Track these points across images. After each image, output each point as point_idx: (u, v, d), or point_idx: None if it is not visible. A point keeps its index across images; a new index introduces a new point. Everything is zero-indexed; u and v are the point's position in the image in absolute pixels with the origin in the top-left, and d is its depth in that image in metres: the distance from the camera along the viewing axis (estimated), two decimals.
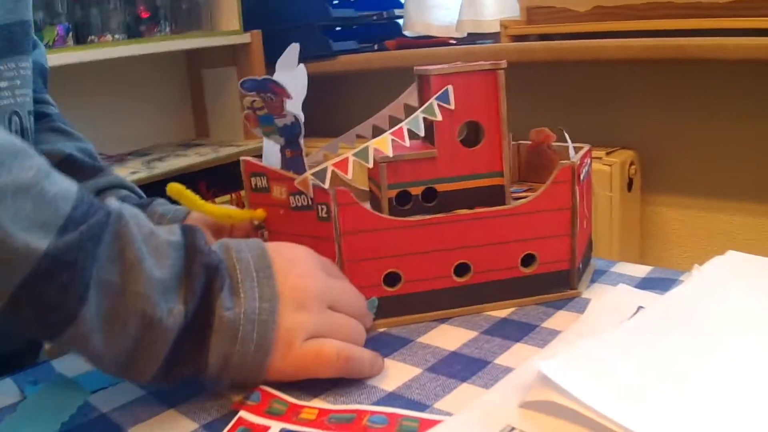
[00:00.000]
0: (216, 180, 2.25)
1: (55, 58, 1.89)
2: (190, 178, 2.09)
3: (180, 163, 2.14)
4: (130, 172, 2.04)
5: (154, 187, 1.90)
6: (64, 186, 0.55)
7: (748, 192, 1.84)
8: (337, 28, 2.44)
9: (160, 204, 0.91)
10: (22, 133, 0.84)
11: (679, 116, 1.90)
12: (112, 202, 0.58)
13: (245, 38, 2.32)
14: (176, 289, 0.58)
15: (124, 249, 0.55)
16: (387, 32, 2.48)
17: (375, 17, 2.50)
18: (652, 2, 1.76)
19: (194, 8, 2.36)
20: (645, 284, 0.79)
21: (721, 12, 1.66)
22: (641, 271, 0.84)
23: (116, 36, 2.17)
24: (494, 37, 2.20)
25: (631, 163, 1.88)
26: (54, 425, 0.57)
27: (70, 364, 0.71)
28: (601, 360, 0.59)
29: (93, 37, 2.14)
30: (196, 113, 2.67)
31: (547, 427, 0.53)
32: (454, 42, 2.29)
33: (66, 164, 0.92)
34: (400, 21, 2.47)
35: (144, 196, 0.97)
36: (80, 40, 2.13)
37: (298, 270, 0.64)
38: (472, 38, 2.27)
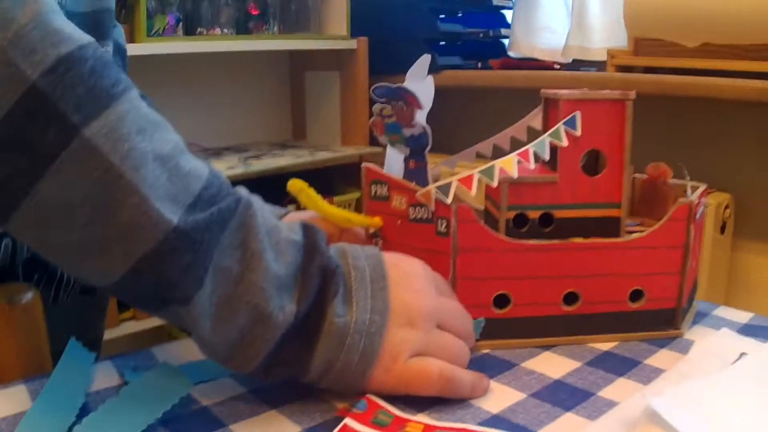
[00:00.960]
0: (310, 183, 2.26)
1: (163, 47, 1.94)
2: (284, 179, 2.10)
3: (276, 163, 2.16)
4: (227, 167, 2.07)
5: (249, 185, 1.93)
6: (197, 165, 0.56)
7: None
8: (442, 43, 2.44)
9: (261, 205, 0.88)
10: None
11: None
12: (242, 189, 0.59)
13: (351, 44, 2.34)
14: (291, 288, 0.58)
15: (248, 238, 0.56)
16: (491, 51, 2.48)
17: (481, 35, 2.50)
18: (762, 44, 1.73)
19: (303, 10, 2.38)
20: (747, 330, 0.78)
21: None
22: (743, 317, 0.82)
23: (225, 30, 2.21)
24: (599, 65, 2.19)
25: (726, 206, 1.85)
26: (155, 413, 0.57)
27: (171, 353, 0.72)
28: (708, 402, 0.58)
29: (202, 29, 2.19)
30: (295, 114, 2.70)
31: None
32: (558, 66, 2.29)
33: None
34: (506, 41, 2.47)
35: None
36: (189, 31, 2.17)
37: (412, 285, 0.64)
38: (577, 65, 2.26)
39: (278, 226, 0.60)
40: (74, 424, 0.57)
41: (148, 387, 0.62)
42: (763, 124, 1.88)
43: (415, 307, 0.63)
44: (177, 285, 0.54)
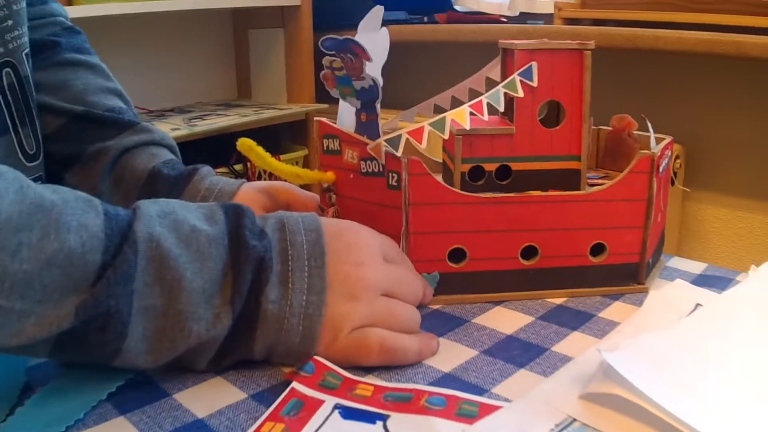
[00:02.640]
0: (257, 142, 2.24)
1: (101, 8, 1.89)
2: (230, 138, 2.08)
3: (222, 123, 2.12)
4: (171, 128, 2.03)
5: (194, 145, 1.90)
6: (89, 232, 0.52)
7: None
8: None
9: (205, 175, 0.84)
10: (19, 84, 0.77)
11: (729, 113, 1.87)
12: (139, 224, 0.55)
13: (295, 0, 2.30)
14: (220, 291, 0.57)
15: (161, 270, 0.54)
16: (437, 5, 2.45)
17: None
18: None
19: None
20: (702, 281, 0.78)
21: None
22: (697, 267, 0.82)
23: None
24: (546, 18, 2.17)
25: (677, 157, 1.85)
26: (93, 400, 0.56)
27: None
28: (664, 355, 0.57)
29: None
30: (240, 73, 2.67)
31: (608, 420, 0.52)
32: (505, 20, 2.27)
33: (84, 121, 0.87)
34: None
35: (179, 155, 0.91)
36: None
37: (355, 257, 0.62)
38: (524, 18, 2.25)
39: (196, 228, 0.57)
40: (16, 405, 0.56)
41: (86, 374, 0.60)
42: (710, 76, 1.88)
43: (356, 280, 0.61)
44: (100, 345, 0.53)
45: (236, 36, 2.61)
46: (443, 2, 2.48)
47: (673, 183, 0.79)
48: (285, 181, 0.76)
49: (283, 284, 0.59)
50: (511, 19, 2.27)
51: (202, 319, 0.55)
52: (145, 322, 0.54)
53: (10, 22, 0.76)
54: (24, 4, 0.79)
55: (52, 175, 0.85)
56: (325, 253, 0.60)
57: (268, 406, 0.54)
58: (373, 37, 0.70)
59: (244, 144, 0.72)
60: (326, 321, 0.59)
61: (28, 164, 0.79)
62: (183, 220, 0.57)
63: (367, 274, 0.62)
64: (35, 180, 0.73)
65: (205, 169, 0.85)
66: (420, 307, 0.70)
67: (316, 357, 0.59)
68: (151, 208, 0.57)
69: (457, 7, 2.41)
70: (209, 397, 0.57)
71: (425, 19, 2.36)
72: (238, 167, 2.11)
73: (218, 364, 0.59)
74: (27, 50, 0.80)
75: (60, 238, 0.50)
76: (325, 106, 2.27)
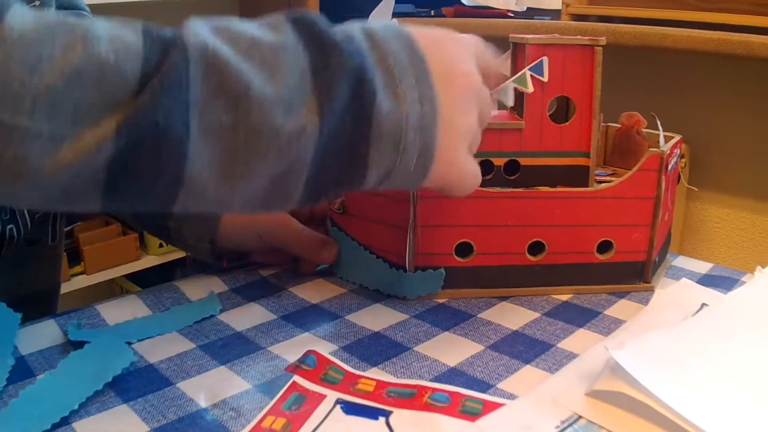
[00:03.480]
0: None
1: None
2: None
3: None
4: None
5: None
6: (124, 42, 0.44)
7: None
8: None
9: None
10: None
11: (735, 113, 1.86)
12: (188, 34, 0.46)
13: None
14: (304, 101, 0.48)
15: (222, 81, 0.46)
16: None
17: None
18: None
19: None
20: (707, 281, 0.77)
21: None
22: (703, 267, 0.82)
23: None
24: (553, 14, 2.17)
25: (681, 156, 1.85)
26: (96, 386, 0.55)
27: (115, 311, 0.70)
28: (671, 354, 0.57)
29: None
30: None
31: (614, 418, 0.52)
32: (512, 15, 2.26)
33: None
34: None
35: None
36: None
37: (457, 67, 0.56)
38: (531, 13, 2.24)
39: (256, 39, 0.48)
40: (5, 387, 0.56)
41: (89, 359, 0.60)
42: (716, 75, 1.87)
43: (464, 89, 0.55)
44: (158, 178, 0.46)
45: None
46: None
47: (678, 181, 0.78)
48: None
49: (394, 96, 0.51)
50: (518, 14, 2.27)
51: (280, 130, 0.47)
52: (212, 143, 0.46)
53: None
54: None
55: None
56: (424, 57, 0.53)
57: (272, 397, 0.54)
58: None
59: None
60: (442, 135, 0.53)
61: None
62: (240, 31, 0.48)
63: (472, 83, 0.56)
64: None
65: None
66: (426, 301, 0.71)
67: (316, 351, 0.59)
68: (199, 21, 0.48)
69: (464, 1, 2.41)
70: (213, 386, 0.56)
71: (432, 12, 2.35)
72: None
73: (316, 199, 0.52)
74: None
75: (88, 49, 0.43)
76: None
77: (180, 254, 2.13)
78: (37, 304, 0.85)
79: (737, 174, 1.89)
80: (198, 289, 0.74)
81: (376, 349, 0.62)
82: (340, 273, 0.77)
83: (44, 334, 0.65)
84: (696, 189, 1.86)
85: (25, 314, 0.67)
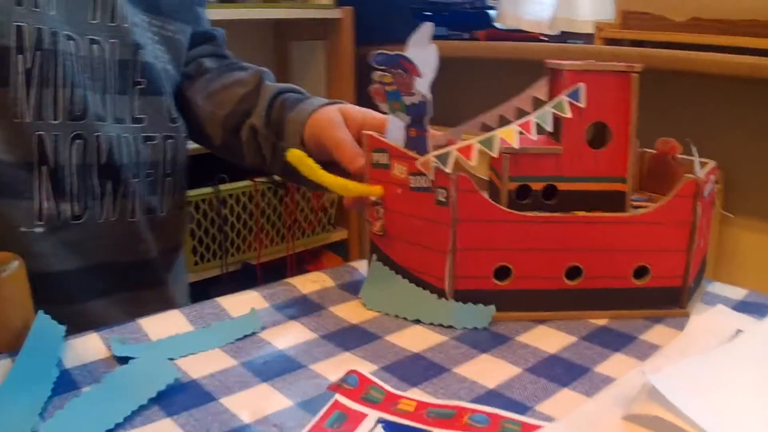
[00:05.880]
0: None
1: None
2: None
3: None
4: None
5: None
6: None
7: None
8: (428, 13, 2.42)
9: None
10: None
11: None
12: None
13: (336, 13, 2.31)
14: None
15: None
16: (477, 22, 2.45)
17: (467, 5, 2.47)
18: (753, 20, 1.72)
19: None
20: (742, 307, 0.77)
21: None
22: (738, 293, 0.82)
23: None
24: (586, 37, 2.17)
25: (716, 181, 1.84)
26: (141, 400, 0.57)
27: (157, 326, 0.71)
28: (707, 380, 0.57)
29: None
30: None
31: None
32: (546, 39, 2.27)
33: None
34: (492, 12, 2.45)
35: None
36: None
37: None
38: (564, 37, 2.25)
39: None
40: (50, 398, 0.57)
41: (134, 374, 0.61)
42: (751, 100, 1.87)
43: None
44: None
45: (277, 48, 2.62)
46: (483, 19, 2.49)
47: (714, 206, 0.79)
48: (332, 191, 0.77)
49: None
50: (551, 38, 2.27)
51: None
52: None
53: None
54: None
55: None
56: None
57: (314, 415, 0.55)
58: (423, 53, 0.71)
59: (295, 155, 0.73)
60: None
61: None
62: None
63: None
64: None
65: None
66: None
67: (359, 371, 0.60)
68: None
69: (497, 25, 2.41)
70: (255, 402, 0.57)
71: (465, 35, 2.36)
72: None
73: None
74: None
75: None
76: None
77: (214, 272, 2.14)
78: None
79: None
80: (239, 305, 0.75)
81: (415, 369, 0.63)
82: (382, 309, 0.76)
83: (87, 347, 0.66)
84: (731, 215, 1.86)
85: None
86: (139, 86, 0.94)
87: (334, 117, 0.90)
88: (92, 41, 0.88)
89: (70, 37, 0.85)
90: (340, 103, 0.95)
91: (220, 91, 1.06)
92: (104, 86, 0.90)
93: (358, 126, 0.88)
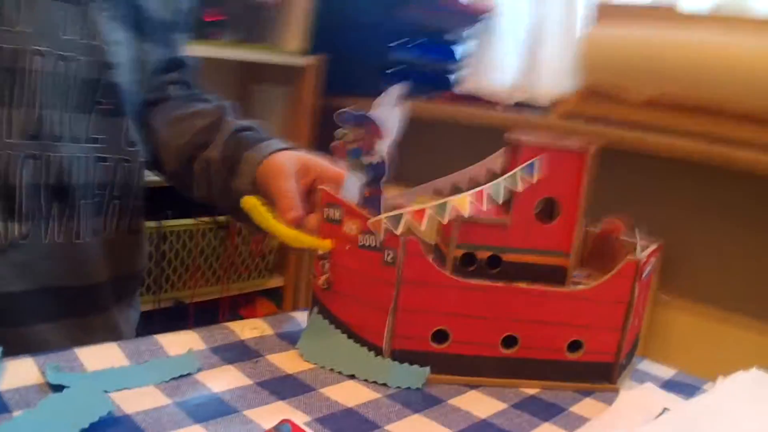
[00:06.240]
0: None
1: None
2: None
3: None
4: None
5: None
6: None
7: (766, 310, 1.83)
8: (393, 70, 2.44)
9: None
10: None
11: (713, 222, 1.89)
12: None
13: (304, 61, 2.32)
14: None
15: None
16: (439, 84, 2.48)
17: (431, 66, 2.50)
18: (707, 106, 1.75)
19: (262, 22, 2.36)
20: (670, 386, 0.80)
21: None
22: (666, 372, 0.84)
23: None
24: (544, 109, 2.20)
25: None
26: (73, 429, 0.56)
27: (93, 357, 0.70)
28: None
29: None
30: None
31: None
32: (502, 107, 2.30)
33: None
34: (453, 75, 2.48)
35: None
36: None
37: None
38: (519, 107, 2.28)
39: None
40: None
41: (67, 404, 0.60)
42: (698, 183, 1.91)
43: None
44: None
45: (240, 89, 2.62)
46: (444, 82, 2.52)
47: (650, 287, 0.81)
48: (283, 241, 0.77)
49: None
50: (510, 106, 2.30)
51: None
52: None
53: None
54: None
55: None
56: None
57: None
58: (389, 114, 0.72)
59: (248, 202, 0.74)
60: None
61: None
62: None
63: None
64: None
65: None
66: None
67: (291, 420, 0.60)
68: None
69: (457, 89, 2.44)
70: None
71: (425, 96, 2.39)
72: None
73: None
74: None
75: None
76: None
77: (147, 307, 2.13)
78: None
79: (707, 284, 1.92)
80: (177, 344, 0.75)
81: (348, 424, 0.63)
82: (319, 361, 0.76)
83: (22, 371, 0.65)
84: (668, 298, 1.88)
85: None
86: (99, 106, 0.93)
87: (285, 165, 0.90)
88: (61, 57, 0.87)
89: (38, 52, 0.84)
90: (299, 149, 0.95)
91: (180, 120, 1.06)
92: (64, 104, 0.88)
93: (315, 177, 0.89)
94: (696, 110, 1.76)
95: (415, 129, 2.25)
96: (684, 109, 1.78)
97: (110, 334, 0.88)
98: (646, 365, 0.86)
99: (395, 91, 0.74)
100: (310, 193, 0.88)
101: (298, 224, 0.81)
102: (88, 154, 0.93)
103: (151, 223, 1.97)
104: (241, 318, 0.84)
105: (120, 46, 0.94)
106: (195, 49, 2.07)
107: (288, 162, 0.90)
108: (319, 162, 0.90)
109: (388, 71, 2.39)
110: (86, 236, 0.95)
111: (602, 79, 1.93)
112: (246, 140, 0.99)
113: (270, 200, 0.86)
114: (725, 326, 1.89)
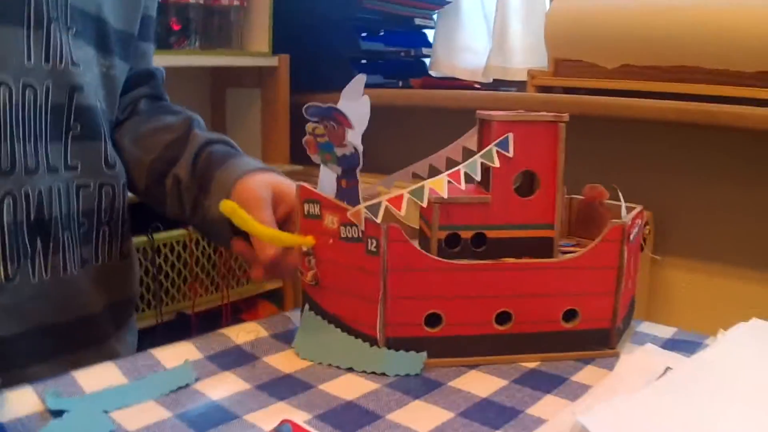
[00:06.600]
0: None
1: None
2: None
3: None
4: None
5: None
6: None
7: (761, 261, 1.84)
8: (364, 62, 2.44)
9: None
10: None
11: (698, 181, 1.90)
12: None
13: (273, 61, 2.32)
14: None
15: None
16: (412, 70, 2.48)
17: (402, 54, 2.50)
18: (680, 66, 1.76)
19: (225, 26, 2.35)
20: (671, 345, 0.80)
21: (749, 81, 1.65)
22: (666, 332, 0.84)
23: None
24: (519, 85, 2.21)
25: (646, 223, 1.87)
26: None
27: (90, 379, 0.70)
28: (636, 418, 0.59)
29: None
30: (216, 132, 2.64)
31: None
32: (479, 86, 2.30)
33: None
34: (427, 60, 2.48)
35: None
36: None
37: None
38: (497, 84, 2.28)
39: None
40: None
41: (69, 428, 0.61)
42: (679, 143, 1.91)
43: None
44: None
45: (213, 94, 2.61)
46: (419, 68, 2.52)
47: (642, 249, 0.81)
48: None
49: None
50: (484, 86, 2.30)
51: None
52: None
53: None
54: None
55: None
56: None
57: None
58: (355, 104, 0.72)
59: (227, 206, 0.73)
60: None
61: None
62: None
63: None
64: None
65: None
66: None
67: (292, 420, 0.60)
68: None
69: (432, 73, 2.44)
70: None
71: (400, 83, 2.39)
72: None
73: None
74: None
75: None
76: (300, 168, 2.27)
77: (150, 323, 2.13)
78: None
79: (700, 240, 1.92)
80: (173, 356, 0.75)
81: (349, 417, 0.63)
82: (315, 358, 0.76)
83: (21, 401, 0.65)
84: (659, 258, 1.89)
85: None
86: (73, 131, 0.90)
87: (262, 195, 0.88)
88: (26, 85, 0.83)
89: (3, 83, 0.81)
90: (271, 170, 0.94)
91: (147, 136, 1.05)
92: (37, 134, 0.85)
93: (289, 206, 0.88)
94: (668, 71, 1.77)
95: (392, 117, 2.26)
96: (656, 71, 1.79)
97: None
98: (645, 327, 0.86)
99: (358, 81, 0.74)
100: (284, 224, 0.87)
101: (275, 264, 0.82)
102: (68, 182, 0.91)
103: (142, 238, 1.96)
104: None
105: (86, 65, 0.92)
106: (163, 60, 2.08)
107: (263, 190, 0.88)
108: (291, 190, 0.87)
109: (360, 63, 2.39)
110: (73, 269, 0.92)
111: (571, 51, 1.93)
112: (214, 156, 0.98)
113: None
114: (722, 279, 1.90)
